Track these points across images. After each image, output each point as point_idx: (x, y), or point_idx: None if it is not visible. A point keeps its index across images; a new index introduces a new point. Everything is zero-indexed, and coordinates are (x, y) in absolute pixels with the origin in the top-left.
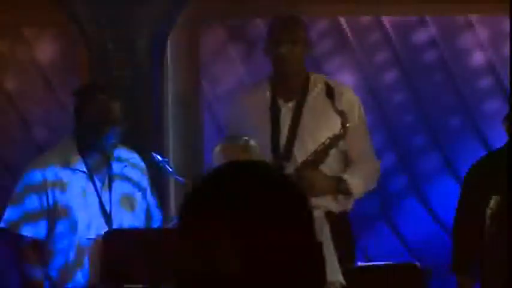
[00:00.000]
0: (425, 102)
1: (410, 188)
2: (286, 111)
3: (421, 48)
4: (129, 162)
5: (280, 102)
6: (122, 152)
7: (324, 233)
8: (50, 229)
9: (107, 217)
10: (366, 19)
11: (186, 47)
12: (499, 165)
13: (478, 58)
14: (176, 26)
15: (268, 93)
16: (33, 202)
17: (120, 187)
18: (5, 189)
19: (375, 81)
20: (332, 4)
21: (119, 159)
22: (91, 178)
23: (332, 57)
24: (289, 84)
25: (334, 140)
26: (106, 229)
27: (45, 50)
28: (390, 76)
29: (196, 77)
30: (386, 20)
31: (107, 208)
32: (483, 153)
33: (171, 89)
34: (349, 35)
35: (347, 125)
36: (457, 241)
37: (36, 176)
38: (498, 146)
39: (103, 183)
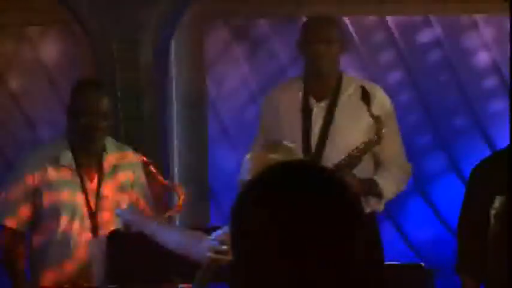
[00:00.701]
0: (429, 102)
1: (415, 188)
2: (319, 110)
3: (425, 48)
4: (120, 157)
5: (312, 101)
6: (113, 147)
7: None
8: (34, 225)
9: (92, 214)
10: (370, 19)
11: (191, 47)
12: (503, 165)
13: (482, 58)
14: (180, 26)
15: (300, 92)
16: (19, 197)
17: (109, 182)
18: None
19: (379, 81)
20: (336, 4)
21: (110, 155)
22: (79, 175)
23: None
24: (322, 84)
25: (369, 146)
26: (89, 226)
27: (49, 50)
28: (395, 76)
29: (201, 77)
30: (390, 20)
31: (92, 205)
32: (488, 153)
33: (175, 89)
34: (353, 35)
35: (382, 130)
36: (462, 241)
37: (25, 172)
38: (503, 146)
39: (91, 180)
